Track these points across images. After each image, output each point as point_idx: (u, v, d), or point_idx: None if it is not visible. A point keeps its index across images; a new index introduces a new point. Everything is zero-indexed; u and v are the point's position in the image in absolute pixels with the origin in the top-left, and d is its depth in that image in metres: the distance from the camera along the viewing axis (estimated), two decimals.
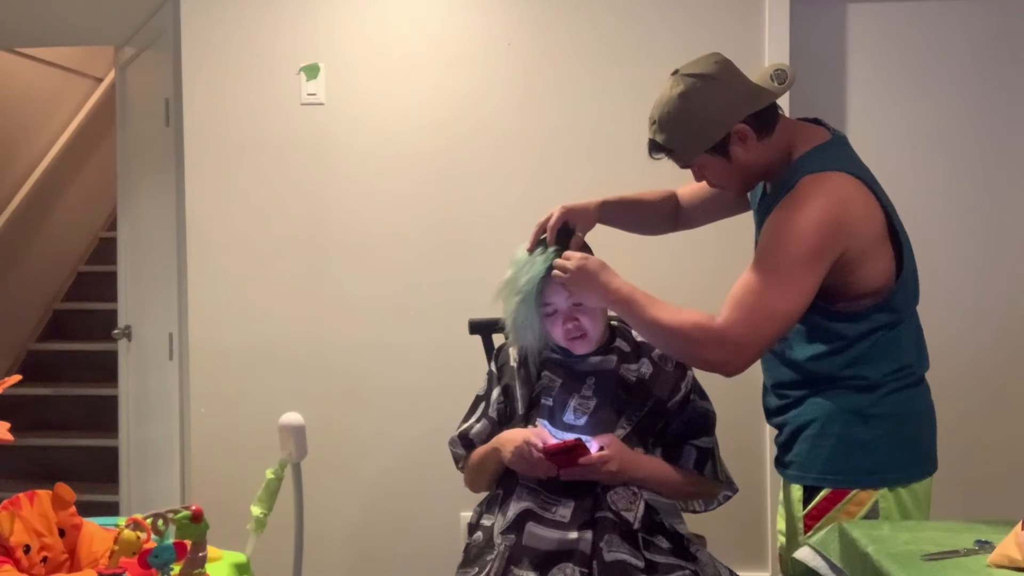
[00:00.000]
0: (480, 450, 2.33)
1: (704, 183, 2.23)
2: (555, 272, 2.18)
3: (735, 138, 2.03)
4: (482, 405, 2.40)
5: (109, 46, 4.29)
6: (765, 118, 2.05)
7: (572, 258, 2.16)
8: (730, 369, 1.99)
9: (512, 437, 2.21)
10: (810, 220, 1.94)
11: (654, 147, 2.09)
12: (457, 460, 2.42)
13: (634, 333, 2.36)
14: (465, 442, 2.38)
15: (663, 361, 2.33)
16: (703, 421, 2.34)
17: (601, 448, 2.15)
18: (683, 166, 2.14)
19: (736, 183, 2.15)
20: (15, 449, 4.32)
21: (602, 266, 2.15)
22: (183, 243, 3.50)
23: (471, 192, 3.48)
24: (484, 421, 2.36)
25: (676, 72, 2.05)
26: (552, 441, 2.16)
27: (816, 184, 1.98)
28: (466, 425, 2.39)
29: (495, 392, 2.37)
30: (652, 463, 2.25)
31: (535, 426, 2.24)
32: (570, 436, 2.16)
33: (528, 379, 2.33)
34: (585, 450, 2.12)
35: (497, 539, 2.14)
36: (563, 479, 2.14)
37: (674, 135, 2.05)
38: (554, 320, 2.28)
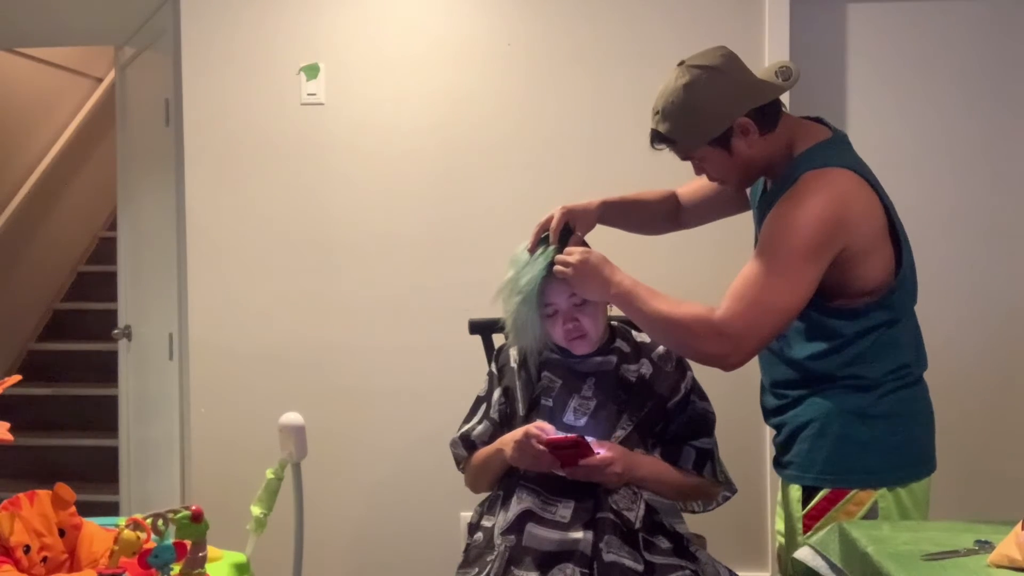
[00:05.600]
0: (483, 451, 2.33)
1: (704, 181, 2.23)
2: (557, 268, 2.18)
3: (737, 131, 2.03)
4: (483, 406, 2.40)
5: (109, 46, 4.29)
6: (768, 113, 2.05)
7: (574, 253, 2.16)
8: (729, 362, 1.99)
9: (515, 436, 2.21)
10: (811, 215, 1.94)
11: (656, 137, 2.09)
12: (458, 461, 2.42)
13: (634, 334, 2.36)
14: (467, 444, 2.37)
15: (663, 361, 2.33)
16: (703, 422, 2.34)
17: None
18: (684, 158, 2.13)
19: (735, 177, 2.15)
20: (15, 449, 4.31)
21: (604, 260, 2.15)
22: (183, 243, 3.50)
23: (471, 192, 3.48)
24: (486, 423, 2.36)
25: (682, 63, 2.05)
26: (554, 435, 2.15)
27: (817, 179, 1.98)
28: (468, 427, 2.39)
29: (496, 393, 2.37)
30: (652, 463, 2.25)
31: None
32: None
33: (528, 380, 2.33)
34: (588, 448, 2.11)
35: (497, 539, 2.14)
36: (568, 478, 2.14)
37: (677, 125, 2.04)
38: (554, 320, 2.27)
